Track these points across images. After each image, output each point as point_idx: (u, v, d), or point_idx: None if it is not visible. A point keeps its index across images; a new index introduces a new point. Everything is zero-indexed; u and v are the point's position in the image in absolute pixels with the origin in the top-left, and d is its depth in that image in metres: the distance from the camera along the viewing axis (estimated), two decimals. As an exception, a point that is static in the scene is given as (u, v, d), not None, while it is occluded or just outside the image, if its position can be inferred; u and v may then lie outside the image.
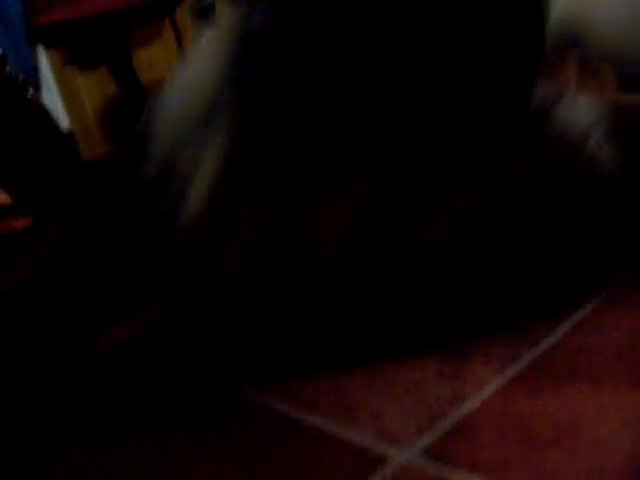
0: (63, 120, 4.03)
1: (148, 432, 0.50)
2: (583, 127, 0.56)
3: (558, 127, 0.55)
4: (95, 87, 4.17)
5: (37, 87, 3.43)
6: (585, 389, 0.39)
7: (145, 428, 0.50)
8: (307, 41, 0.52)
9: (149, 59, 4.28)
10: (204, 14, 4.46)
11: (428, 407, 0.42)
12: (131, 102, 3.87)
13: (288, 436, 0.44)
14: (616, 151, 0.55)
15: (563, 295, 0.52)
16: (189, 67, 0.71)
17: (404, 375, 0.47)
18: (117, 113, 4.23)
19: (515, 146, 0.55)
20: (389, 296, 0.54)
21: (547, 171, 0.55)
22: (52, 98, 4.02)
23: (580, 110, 0.56)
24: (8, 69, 0.89)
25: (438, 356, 0.48)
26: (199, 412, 0.51)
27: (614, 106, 0.57)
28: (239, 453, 0.44)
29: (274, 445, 0.43)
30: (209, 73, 0.62)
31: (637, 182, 0.55)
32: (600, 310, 0.48)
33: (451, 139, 0.51)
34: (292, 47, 0.53)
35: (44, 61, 3.97)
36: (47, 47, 3.95)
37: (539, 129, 0.55)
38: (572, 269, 0.54)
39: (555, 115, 0.55)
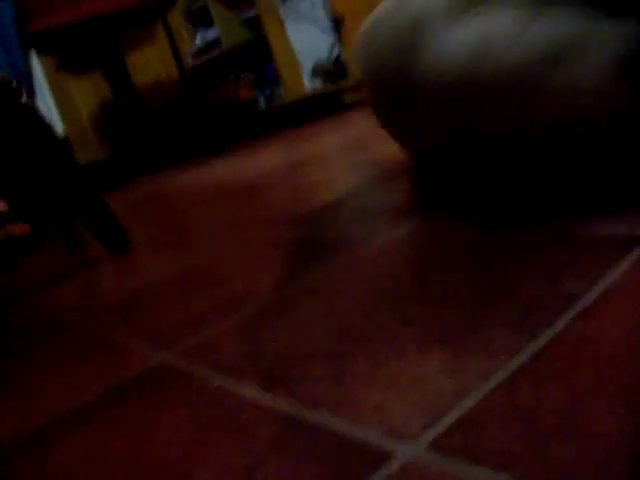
0: (58, 125, 4.04)
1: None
2: None
3: None
4: (89, 91, 4.17)
5: (31, 93, 3.43)
6: (590, 379, 0.39)
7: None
8: None
9: (142, 62, 4.28)
10: (196, 16, 4.45)
11: (432, 401, 0.42)
12: (125, 105, 3.87)
13: (291, 434, 0.44)
14: None
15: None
16: None
17: (407, 369, 0.47)
18: (111, 116, 4.23)
19: None
20: None
21: None
22: (46, 103, 4.02)
23: None
24: (1, 75, 0.89)
25: (440, 349, 0.48)
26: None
27: None
28: (240, 452, 0.44)
29: (277, 443, 0.43)
30: None
31: None
32: (603, 296, 0.48)
33: None
34: None
35: (37, 67, 3.97)
36: (39, 53, 3.95)
37: None
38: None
39: None
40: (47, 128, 1.17)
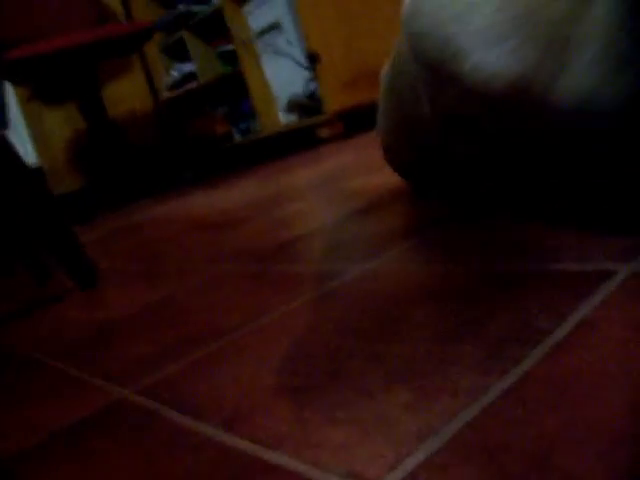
0: (31, 155, 4.01)
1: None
2: None
3: None
4: (63, 121, 4.15)
5: (5, 123, 3.40)
6: (560, 418, 0.38)
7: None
8: None
9: (118, 93, 4.28)
10: (173, 50, 4.48)
11: (396, 442, 0.40)
12: (100, 136, 3.85)
13: (250, 475, 0.42)
14: None
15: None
16: None
17: (371, 409, 0.46)
18: (86, 147, 4.21)
19: None
20: None
21: None
22: (20, 134, 4.00)
23: None
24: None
25: (406, 388, 0.47)
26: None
27: None
28: (200, 496, 0.42)
29: (236, 487, 0.41)
30: None
31: None
32: (573, 332, 0.47)
33: None
34: None
35: (12, 97, 3.95)
36: (14, 83, 3.93)
37: None
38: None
39: None
40: (15, 158, 1.15)
